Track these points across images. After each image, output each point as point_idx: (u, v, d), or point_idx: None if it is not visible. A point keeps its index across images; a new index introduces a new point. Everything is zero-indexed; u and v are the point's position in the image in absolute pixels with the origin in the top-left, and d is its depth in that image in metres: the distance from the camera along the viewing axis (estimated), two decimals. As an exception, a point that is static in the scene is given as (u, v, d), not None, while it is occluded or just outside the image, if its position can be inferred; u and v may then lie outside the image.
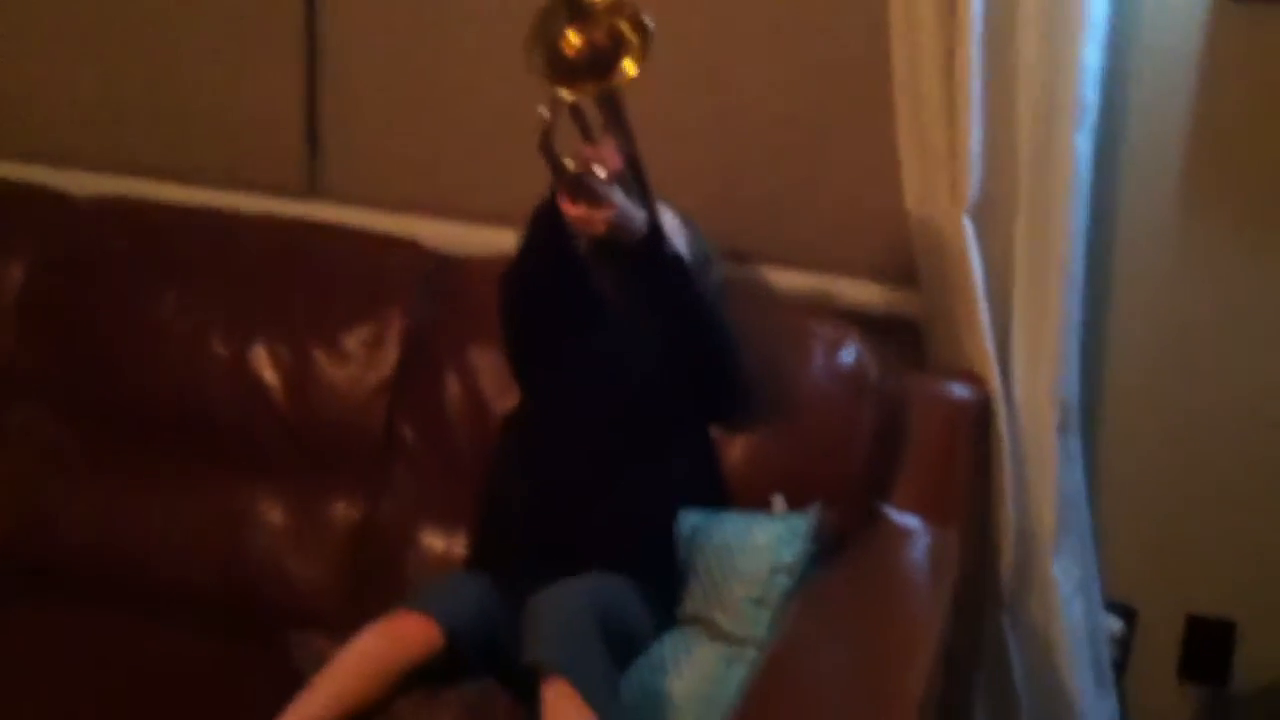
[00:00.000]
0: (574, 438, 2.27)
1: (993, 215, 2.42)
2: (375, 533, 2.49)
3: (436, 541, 2.45)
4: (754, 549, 2.20)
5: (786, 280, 2.60)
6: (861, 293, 2.59)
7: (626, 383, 2.29)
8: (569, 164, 2.03)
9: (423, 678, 2.02)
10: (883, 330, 2.48)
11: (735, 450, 2.36)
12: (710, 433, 2.36)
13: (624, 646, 2.04)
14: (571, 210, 2.06)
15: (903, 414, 2.41)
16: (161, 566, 2.52)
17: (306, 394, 2.53)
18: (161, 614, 2.41)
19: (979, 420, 2.45)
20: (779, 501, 2.30)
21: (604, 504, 2.22)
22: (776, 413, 2.35)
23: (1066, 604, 2.52)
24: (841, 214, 2.60)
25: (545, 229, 2.18)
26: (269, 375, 2.55)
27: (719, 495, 2.33)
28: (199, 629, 2.38)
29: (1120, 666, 2.63)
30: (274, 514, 2.51)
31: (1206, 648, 2.60)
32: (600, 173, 2.04)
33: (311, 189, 2.88)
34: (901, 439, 2.41)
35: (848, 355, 2.39)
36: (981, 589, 2.51)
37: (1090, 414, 2.54)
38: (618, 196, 2.07)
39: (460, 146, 2.77)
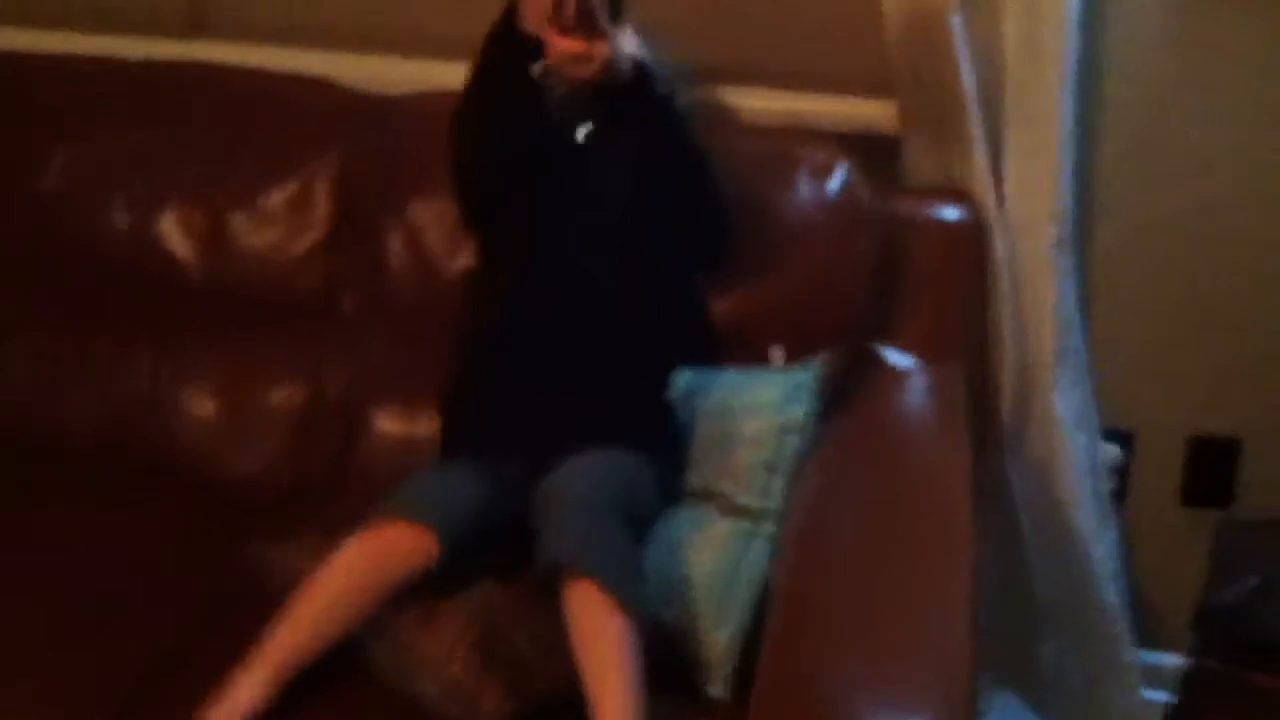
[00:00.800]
0: (550, 296, 2.03)
1: (977, 12, 2.20)
2: (321, 418, 2.23)
3: (392, 424, 2.20)
4: (757, 407, 2.00)
5: (746, 100, 2.35)
6: (829, 108, 2.36)
7: (608, 232, 2.04)
8: None
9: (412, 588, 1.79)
10: (857, 150, 2.25)
11: (724, 300, 2.14)
12: (696, 285, 2.13)
13: (639, 529, 1.83)
14: (564, 45, 1.79)
15: (896, 243, 2.21)
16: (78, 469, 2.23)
17: (227, 265, 2.24)
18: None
19: (973, 244, 2.26)
20: (778, 353, 2.10)
21: (594, 369, 2.00)
22: (764, 252, 2.13)
23: (1068, 435, 2.37)
24: (806, 18, 2.36)
25: (501, 54, 1.94)
26: (181, 248, 2.25)
27: (712, 352, 2.11)
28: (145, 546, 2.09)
29: (1120, 495, 2.49)
30: (203, 407, 2.23)
31: (1210, 469, 2.49)
32: None
33: (195, 25, 2.54)
34: (897, 271, 2.21)
35: (837, 181, 2.17)
36: (980, 426, 2.34)
37: (1080, 228, 2.35)
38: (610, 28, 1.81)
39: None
